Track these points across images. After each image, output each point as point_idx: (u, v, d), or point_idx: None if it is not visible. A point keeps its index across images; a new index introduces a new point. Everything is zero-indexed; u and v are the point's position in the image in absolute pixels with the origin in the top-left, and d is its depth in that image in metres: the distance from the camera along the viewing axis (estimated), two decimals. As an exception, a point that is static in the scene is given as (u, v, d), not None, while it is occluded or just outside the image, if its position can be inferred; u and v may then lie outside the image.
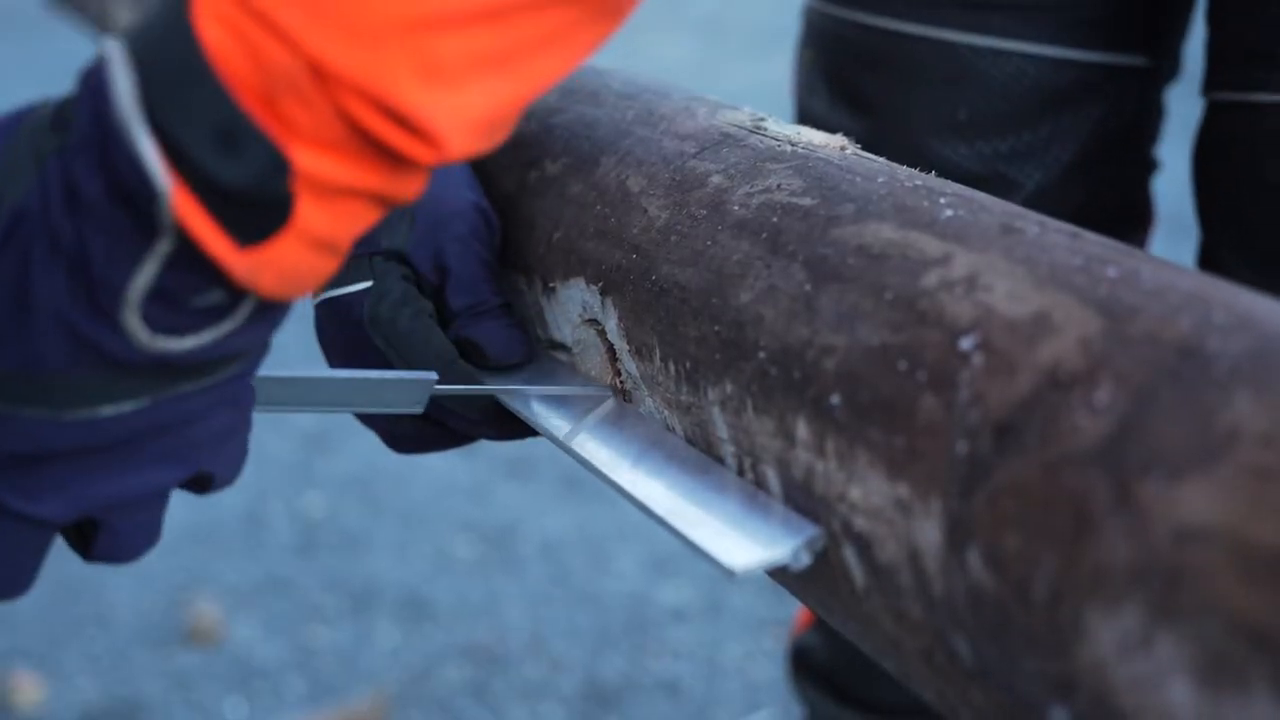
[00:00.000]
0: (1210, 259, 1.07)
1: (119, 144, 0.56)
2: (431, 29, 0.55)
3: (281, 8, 0.54)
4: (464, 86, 0.57)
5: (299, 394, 0.73)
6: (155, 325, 0.59)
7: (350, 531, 2.61)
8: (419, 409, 0.77)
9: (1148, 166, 1.17)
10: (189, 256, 0.58)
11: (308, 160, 0.56)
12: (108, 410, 0.61)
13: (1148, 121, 1.14)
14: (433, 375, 0.76)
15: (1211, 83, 1.04)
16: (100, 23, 1.94)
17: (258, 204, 0.57)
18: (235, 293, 0.60)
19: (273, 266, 0.59)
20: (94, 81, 0.57)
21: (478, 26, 0.56)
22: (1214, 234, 1.07)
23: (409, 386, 0.76)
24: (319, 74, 0.55)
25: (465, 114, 0.57)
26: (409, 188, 0.61)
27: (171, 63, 0.56)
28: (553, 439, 0.76)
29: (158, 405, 0.62)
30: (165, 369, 0.61)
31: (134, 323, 0.59)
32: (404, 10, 0.55)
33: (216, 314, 0.61)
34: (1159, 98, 1.14)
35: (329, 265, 0.61)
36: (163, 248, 0.58)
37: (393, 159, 0.58)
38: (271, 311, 0.63)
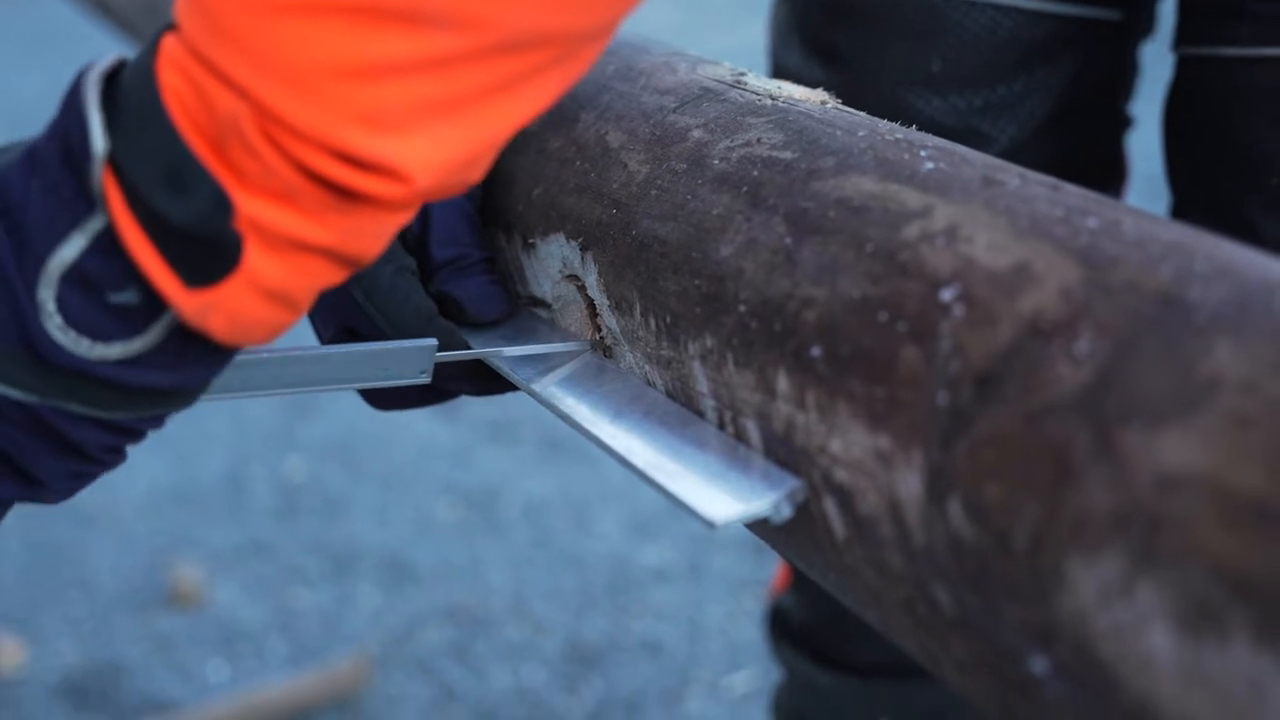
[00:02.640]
0: (1178, 212, 1.07)
1: (74, 113, 0.60)
2: (370, 78, 0.56)
3: (230, 58, 0.57)
4: (410, 132, 0.58)
5: (301, 374, 0.74)
6: (68, 315, 0.61)
7: (331, 495, 2.61)
8: (425, 378, 0.77)
9: (1122, 122, 1.17)
10: (115, 244, 0.60)
11: (254, 207, 0.59)
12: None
13: (1122, 77, 1.14)
14: (432, 342, 0.76)
15: (1181, 37, 1.04)
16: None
17: (204, 244, 0.59)
18: (151, 299, 0.62)
19: (222, 309, 0.61)
20: (74, 80, 0.61)
21: (418, 77, 0.57)
22: (1182, 193, 1.07)
23: (411, 355, 0.76)
24: (269, 121, 0.57)
25: (418, 155, 0.58)
26: (370, 245, 0.62)
27: (133, 103, 0.59)
28: (533, 394, 0.75)
29: (43, 405, 0.64)
30: (64, 373, 0.63)
31: (47, 299, 0.61)
32: (341, 59, 0.56)
33: (129, 322, 0.62)
34: (1134, 53, 1.14)
35: (284, 317, 0.63)
36: (94, 224, 0.61)
37: (356, 202, 0.59)
38: (200, 354, 0.64)
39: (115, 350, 0.62)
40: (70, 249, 0.61)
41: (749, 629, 2.23)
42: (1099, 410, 0.48)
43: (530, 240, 0.80)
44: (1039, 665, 0.50)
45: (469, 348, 0.79)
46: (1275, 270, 0.50)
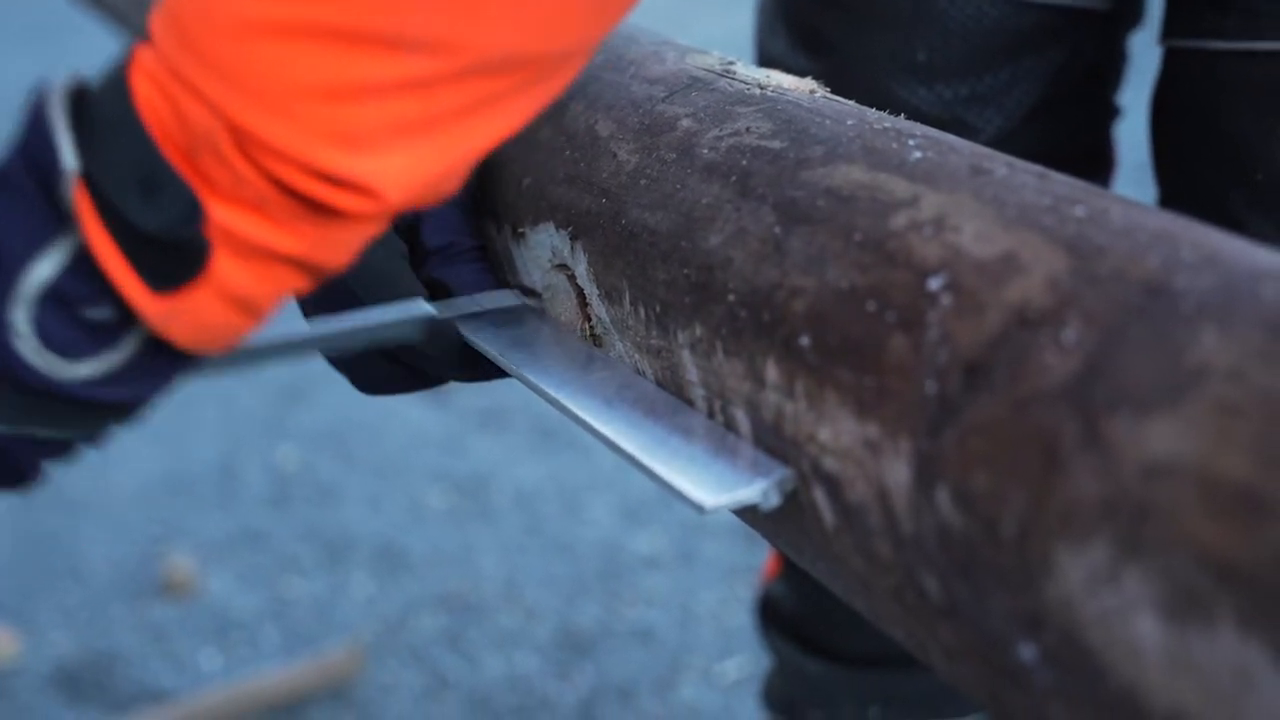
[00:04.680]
0: (1164, 201, 1.07)
1: (39, 132, 0.60)
2: (346, 99, 0.57)
3: (204, 76, 0.57)
4: (385, 151, 0.58)
5: (294, 347, 0.76)
6: (44, 336, 0.62)
7: (324, 483, 2.61)
8: (417, 335, 0.78)
9: (1110, 113, 1.16)
10: (89, 260, 0.61)
11: (224, 215, 0.59)
12: None
13: (1110, 67, 1.14)
14: (427, 308, 0.78)
15: (1168, 29, 1.04)
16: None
17: (173, 250, 0.60)
18: (124, 313, 0.62)
19: (187, 316, 0.61)
20: (35, 97, 0.61)
21: (394, 98, 0.57)
22: (1168, 186, 1.07)
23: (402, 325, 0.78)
24: (241, 138, 0.57)
25: (392, 173, 0.59)
26: (338, 256, 0.63)
27: (105, 110, 0.60)
28: (523, 380, 0.75)
29: (8, 434, 0.66)
30: (33, 395, 0.63)
31: (21, 320, 0.61)
32: (317, 81, 0.56)
33: (104, 337, 0.62)
34: (1122, 44, 1.14)
35: (245, 323, 0.64)
36: (68, 242, 0.61)
37: (328, 216, 0.60)
38: (163, 367, 0.65)
39: (85, 369, 0.63)
40: (45, 267, 0.61)
41: (741, 616, 2.23)
42: (1087, 399, 0.48)
43: (520, 230, 0.80)
44: (1027, 652, 0.50)
45: (458, 333, 0.79)
46: (1261, 258, 0.51)
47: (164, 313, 0.61)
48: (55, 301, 0.61)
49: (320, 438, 2.75)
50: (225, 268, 0.60)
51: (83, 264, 0.61)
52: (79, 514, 2.48)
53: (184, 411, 2.75)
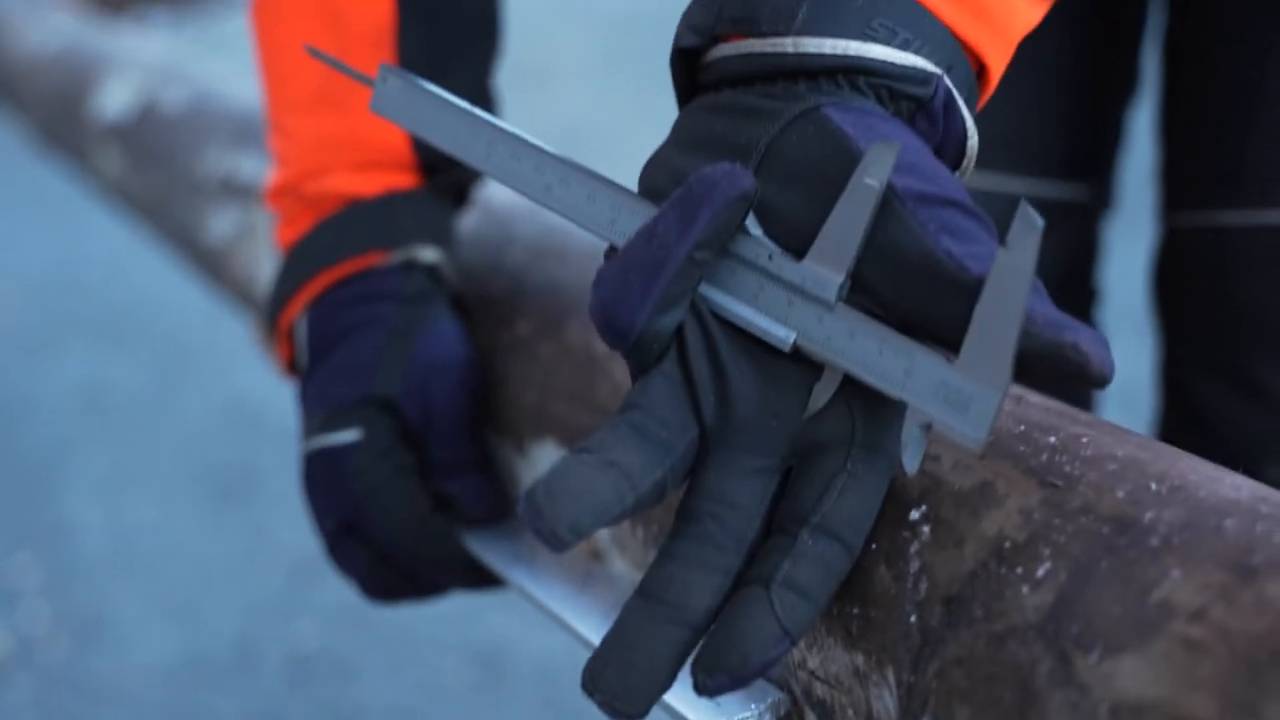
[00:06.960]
0: (1174, 373, 1.08)
1: None
2: None
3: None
4: None
5: None
6: None
7: (342, 659, 2.61)
8: None
9: (1092, 296, 1.18)
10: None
11: None
12: None
13: (1090, 256, 1.16)
14: None
15: (1172, 204, 1.06)
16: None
17: None
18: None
19: None
20: None
21: None
22: (1179, 349, 1.08)
23: None
24: None
25: None
26: None
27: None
28: (524, 594, 0.77)
29: None
30: None
31: None
32: None
33: None
34: (1098, 232, 1.16)
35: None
36: None
37: None
38: None
39: None
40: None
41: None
42: (1059, 635, 0.50)
43: (522, 444, 0.82)
44: None
45: (461, 544, 0.81)
46: (1225, 487, 0.53)
47: None
48: None
49: (338, 612, 2.75)
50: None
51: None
52: (98, 697, 2.48)
53: (202, 585, 2.75)
